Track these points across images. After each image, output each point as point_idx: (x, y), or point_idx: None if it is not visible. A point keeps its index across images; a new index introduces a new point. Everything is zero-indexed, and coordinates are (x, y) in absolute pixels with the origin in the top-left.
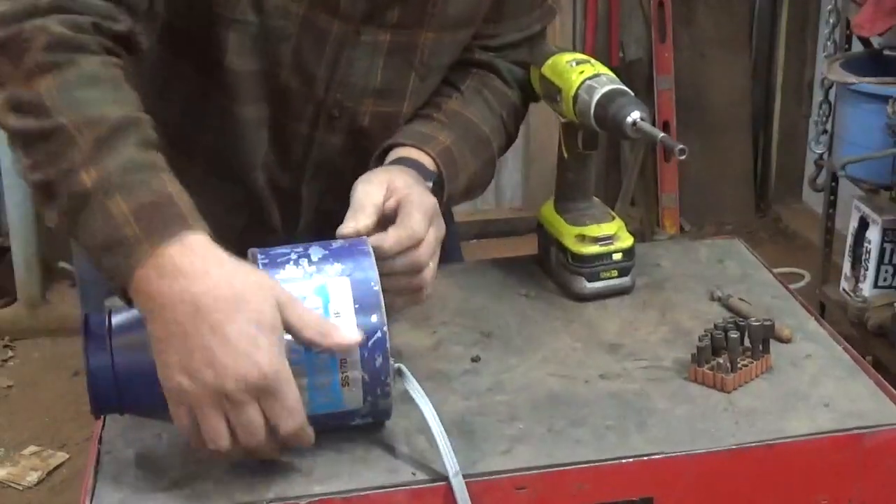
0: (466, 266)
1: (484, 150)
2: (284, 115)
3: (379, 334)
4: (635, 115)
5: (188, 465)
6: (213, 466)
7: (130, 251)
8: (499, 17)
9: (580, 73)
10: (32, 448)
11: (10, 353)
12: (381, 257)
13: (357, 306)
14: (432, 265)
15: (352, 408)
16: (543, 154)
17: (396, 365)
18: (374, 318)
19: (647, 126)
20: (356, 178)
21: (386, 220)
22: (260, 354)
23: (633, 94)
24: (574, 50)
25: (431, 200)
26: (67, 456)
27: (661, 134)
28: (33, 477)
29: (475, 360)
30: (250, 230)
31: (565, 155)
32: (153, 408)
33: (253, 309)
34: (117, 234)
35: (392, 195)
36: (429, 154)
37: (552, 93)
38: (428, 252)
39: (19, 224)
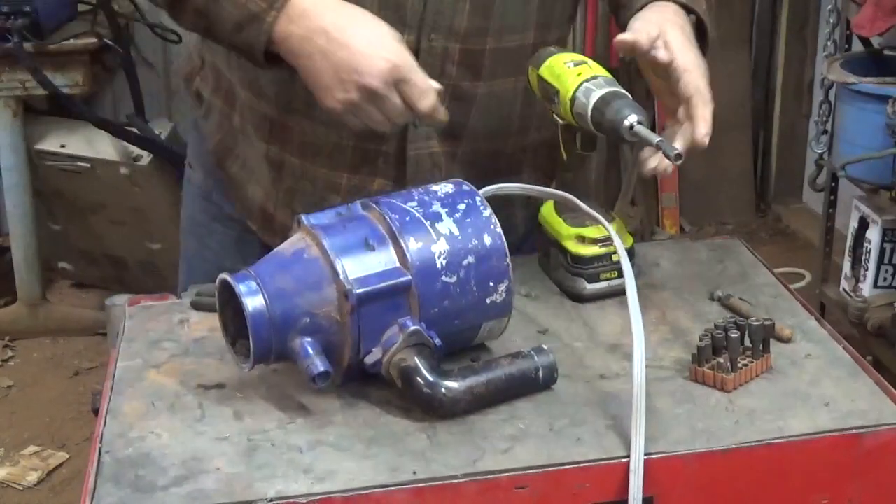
0: None
1: None
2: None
3: None
4: (632, 119)
5: (188, 463)
6: (212, 463)
7: (262, 20)
8: None
9: (577, 74)
10: (32, 448)
11: (10, 353)
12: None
13: None
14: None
15: None
16: None
17: None
18: None
19: (644, 130)
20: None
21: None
22: (387, 51)
23: (630, 96)
24: (574, 50)
25: (702, 62)
26: (67, 456)
27: (658, 138)
28: (33, 477)
29: (474, 360)
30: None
31: (564, 156)
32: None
33: (370, 19)
34: (247, 12)
35: (668, 47)
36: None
37: (550, 94)
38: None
39: (19, 224)
